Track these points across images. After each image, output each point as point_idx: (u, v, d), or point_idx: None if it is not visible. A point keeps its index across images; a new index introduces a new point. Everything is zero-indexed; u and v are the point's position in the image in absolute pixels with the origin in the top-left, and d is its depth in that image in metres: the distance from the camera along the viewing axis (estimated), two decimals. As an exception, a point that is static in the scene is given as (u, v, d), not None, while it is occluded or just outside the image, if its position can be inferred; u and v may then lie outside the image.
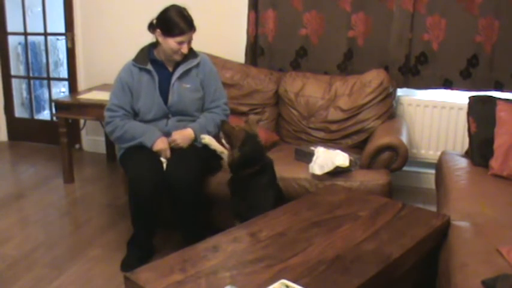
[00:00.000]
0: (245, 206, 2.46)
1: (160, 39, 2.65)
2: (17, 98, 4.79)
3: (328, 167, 2.65)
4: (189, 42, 2.68)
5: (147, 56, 2.72)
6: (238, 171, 2.50)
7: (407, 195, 3.46)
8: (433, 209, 2.59)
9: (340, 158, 2.68)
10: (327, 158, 2.69)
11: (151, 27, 2.67)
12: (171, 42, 2.62)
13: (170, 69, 2.76)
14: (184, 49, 2.65)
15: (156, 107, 2.73)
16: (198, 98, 2.81)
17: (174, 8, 2.64)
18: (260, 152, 2.56)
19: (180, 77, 2.75)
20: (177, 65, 2.75)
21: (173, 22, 2.59)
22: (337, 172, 2.67)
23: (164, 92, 2.74)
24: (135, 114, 2.76)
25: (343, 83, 3.34)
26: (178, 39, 2.61)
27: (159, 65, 2.74)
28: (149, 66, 2.71)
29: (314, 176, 2.69)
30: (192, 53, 2.76)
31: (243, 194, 2.49)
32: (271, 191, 2.51)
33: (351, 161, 2.71)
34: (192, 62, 2.76)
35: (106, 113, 2.74)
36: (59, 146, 3.78)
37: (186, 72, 2.76)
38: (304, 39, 3.57)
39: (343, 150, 2.83)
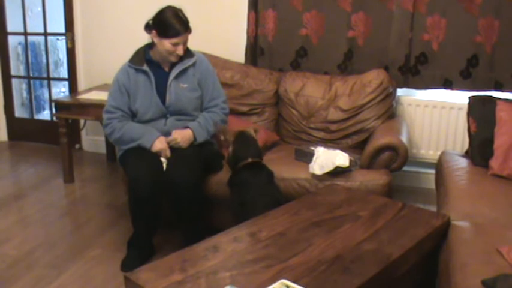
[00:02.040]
0: (240, 206, 2.46)
1: (156, 40, 2.65)
2: (17, 98, 4.79)
3: (328, 167, 2.65)
4: (185, 43, 2.67)
5: (143, 57, 2.72)
6: (235, 166, 2.58)
7: (407, 195, 3.46)
8: (433, 209, 2.59)
9: (340, 158, 2.68)
10: (327, 158, 2.69)
11: (148, 27, 2.67)
12: (166, 44, 2.62)
13: (166, 69, 2.76)
14: (180, 51, 2.64)
15: (154, 107, 2.73)
16: (196, 98, 2.81)
17: (169, 9, 2.63)
18: (253, 143, 2.65)
19: (176, 77, 2.75)
20: (173, 65, 2.75)
21: (168, 23, 2.59)
22: (337, 172, 2.67)
23: (162, 92, 2.74)
24: (133, 115, 2.76)
25: (343, 83, 3.34)
26: (174, 40, 2.61)
27: (155, 65, 2.74)
28: (145, 67, 2.71)
29: (314, 176, 2.69)
30: (188, 53, 2.75)
31: (238, 192, 2.50)
32: (268, 196, 2.48)
33: (351, 161, 2.71)
34: (188, 62, 2.76)
35: (104, 115, 2.74)
36: (59, 146, 3.78)
37: (183, 72, 2.76)
38: (304, 39, 3.57)
39: (343, 150, 2.83)
